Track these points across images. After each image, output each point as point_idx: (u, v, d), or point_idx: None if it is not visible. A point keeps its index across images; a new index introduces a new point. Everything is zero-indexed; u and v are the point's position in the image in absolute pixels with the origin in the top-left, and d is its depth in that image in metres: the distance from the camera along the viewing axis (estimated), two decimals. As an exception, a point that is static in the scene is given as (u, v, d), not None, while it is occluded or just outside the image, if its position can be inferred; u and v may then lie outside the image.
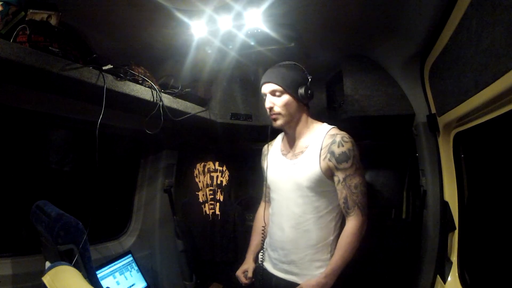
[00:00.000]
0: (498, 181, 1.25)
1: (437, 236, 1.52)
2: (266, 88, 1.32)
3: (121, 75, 1.30)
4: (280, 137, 1.49)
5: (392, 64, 1.69)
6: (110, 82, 1.23)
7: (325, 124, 1.37)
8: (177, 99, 1.65)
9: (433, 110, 1.49)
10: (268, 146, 1.51)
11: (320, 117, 2.17)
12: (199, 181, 2.48)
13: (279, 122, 1.31)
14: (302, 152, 1.31)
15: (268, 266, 1.41)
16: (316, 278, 1.23)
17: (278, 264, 1.34)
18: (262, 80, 1.34)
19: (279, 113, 1.30)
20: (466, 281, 1.30)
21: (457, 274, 1.34)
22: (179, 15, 1.33)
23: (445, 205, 1.46)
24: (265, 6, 1.27)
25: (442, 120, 1.39)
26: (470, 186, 1.39)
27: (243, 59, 1.79)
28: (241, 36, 1.53)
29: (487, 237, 1.29)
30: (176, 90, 1.66)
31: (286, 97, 1.29)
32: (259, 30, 1.49)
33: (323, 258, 1.28)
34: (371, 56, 1.77)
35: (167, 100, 1.56)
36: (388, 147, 2.45)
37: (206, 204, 2.45)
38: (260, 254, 1.47)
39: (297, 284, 1.26)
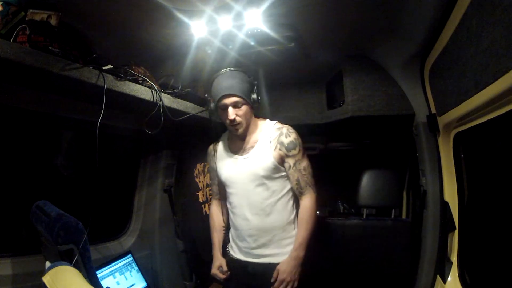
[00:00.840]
0: (498, 181, 1.25)
1: (437, 236, 1.52)
2: (229, 101, 1.35)
3: (121, 75, 1.30)
4: (225, 136, 1.57)
5: (392, 64, 1.69)
6: (110, 82, 1.23)
7: (268, 120, 1.50)
8: (177, 99, 1.65)
9: (433, 110, 1.49)
10: (214, 146, 1.59)
11: (320, 117, 2.19)
12: (199, 181, 2.48)
13: (241, 131, 1.41)
14: (252, 147, 1.44)
15: (240, 256, 1.48)
16: (289, 255, 1.36)
17: (250, 251, 1.43)
18: (221, 92, 1.35)
19: (240, 123, 1.38)
20: (466, 281, 1.30)
21: (457, 274, 1.34)
22: (179, 15, 1.33)
23: (445, 205, 1.46)
24: (265, 6, 1.27)
25: (442, 120, 1.39)
26: (470, 186, 1.39)
27: (243, 59, 1.79)
28: (241, 36, 1.53)
29: (487, 237, 1.29)
30: (176, 90, 1.66)
31: (245, 107, 1.38)
32: (259, 30, 1.49)
33: (290, 235, 1.41)
34: (371, 56, 1.77)
35: (167, 100, 1.56)
36: (388, 147, 2.45)
37: (206, 204, 2.44)
38: (227, 248, 1.54)
39: (273, 264, 1.37)
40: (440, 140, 1.47)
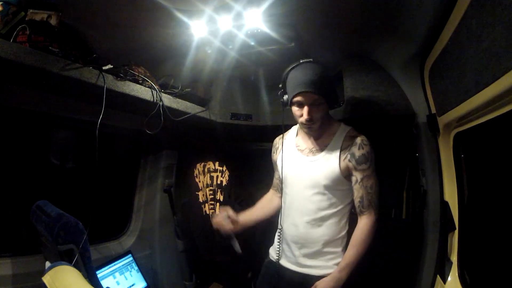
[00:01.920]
0: (498, 181, 1.25)
1: (437, 236, 1.52)
2: (307, 99, 1.21)
3: (121, 75, 1.30)
4: (294, 131, 1.48)
5: (392, 64, 1.69)
6: (110, 82, 1.23)
7: (342, 124, 1.37)
8: (177, 99, 1.66)
9: (433, 110, 1.49)
10: (281, 139, 1.50)
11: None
12: (199, 181, 2.48)
13: (314, 130, 1.31)
14: (321, 150, 1.32)
15: (281, 260, 1.42)
16: (331, 273, 1.25)
17: (292, 257, 1.36)
18: (299, 88, 1.20)
19: (315, 122, 1.27)
20: (466, 281, 1.30)
21: (457, 274, 1.34)
22: (179, 15, 1.33)
23: (445, 205, 1.46)
24: (265, 6, 1.27)
25: (442, 120, 1.39)
26: (470, 186, 1.39)
27: (243, 59, 1.79)
28: (241, 36, 1.53)
29: (487, 237, 1.29)
30: (176, 90, 1.66)
31: (323, 107, 1.25)
32: (259, 30, 1.49)
33: (335, 251, 1.32)
34: (371, 56, 1.77)
35: (167, 100, 1.56)
36: (388, 147, 2.44)
37: (206, 204, 2.44)
38: (276, 249, 1.45)
39: (311, 276, 1.29)
40: (440, 140, 1.47)
